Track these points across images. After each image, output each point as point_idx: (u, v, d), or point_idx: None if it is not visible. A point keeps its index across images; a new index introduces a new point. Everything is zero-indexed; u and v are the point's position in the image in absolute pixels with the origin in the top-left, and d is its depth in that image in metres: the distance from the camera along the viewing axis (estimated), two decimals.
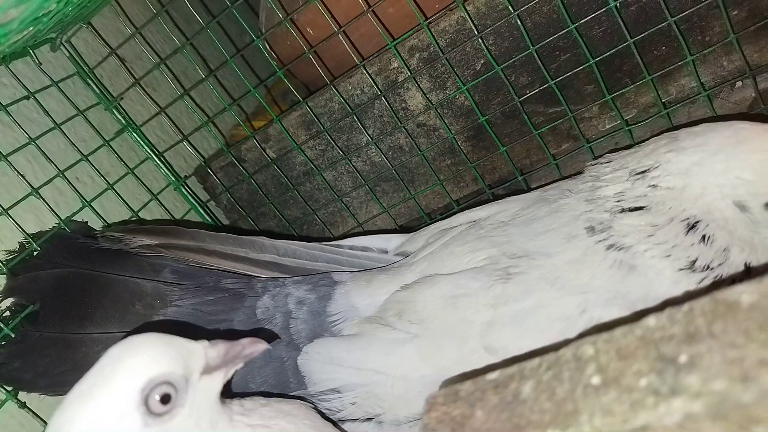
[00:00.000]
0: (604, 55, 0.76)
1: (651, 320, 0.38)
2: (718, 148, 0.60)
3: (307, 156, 0.98)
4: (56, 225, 0.84)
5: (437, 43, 0.83)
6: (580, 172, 0.73)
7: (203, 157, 1.11)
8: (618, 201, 0.64)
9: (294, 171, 1.01)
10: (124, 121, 1.04)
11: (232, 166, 1.04)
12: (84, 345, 0.71)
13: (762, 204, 0.58)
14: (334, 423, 0.65)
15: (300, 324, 0.71)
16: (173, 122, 1.06)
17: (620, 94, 0.81)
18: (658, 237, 0.60)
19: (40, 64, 0.92)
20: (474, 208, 0.78)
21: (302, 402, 0.63)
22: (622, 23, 0.74)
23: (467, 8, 0.79)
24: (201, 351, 0.51)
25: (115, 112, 1.03)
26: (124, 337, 0.51)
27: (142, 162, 1.05)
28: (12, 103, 0.86)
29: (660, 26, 0.74)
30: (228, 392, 0.57)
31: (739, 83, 0.80)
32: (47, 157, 0.88)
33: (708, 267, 0.58)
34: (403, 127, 0.90)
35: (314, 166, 0.98)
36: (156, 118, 1.05)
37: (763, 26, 0.74)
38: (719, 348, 0.34)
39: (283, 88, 1.16)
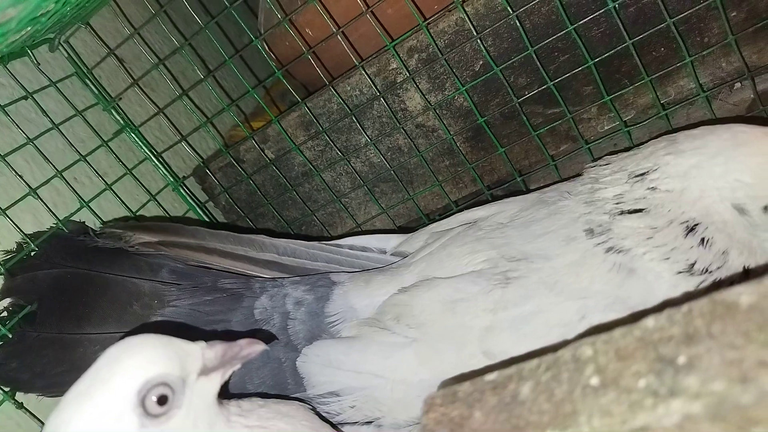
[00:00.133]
0: (603, 56, 0.76)
1: (650, 321, 0.38)
2: (716, 151, 0.60)
3: (305, 157, 0.97)
4: (54, 225, 0.84)
5: (436, 44, 0.83)
6: (578, 174, 0.73)
7: (202, 157, 1.11)
8: (617, 203, 0.64)
9: (293, 172, 1.01)
10: (122, 122, 1.04)
11: (231, 167, 1.04)
12: (81, 345, 0.70)
13: (761, 207, 0.58)
14: (333, 425, 0.65)
15: (298, 325, 0.71)
16: (172, 123, 1.06)
17: (619, 95, 0.81)
18: (657, 239, 0.60)
19: (39, 64, 0.92)
20: (472, 209, 0.78)
21: (300, 403, 0.63)
22: (620, 24, 0.74)
23: (466, 9, 0.79)
24: (198, 352, 0.51)
25: (114, 113, 1.03)
26: (122, 337, 0.51)
27: (141, 162, 1.05)
28: (10, 104, 0.86)
29: (659, 27, 0.74)
30: (226, 393, 0.57)
31: (738, 85, 0.80)
32: (45, 158, 0.88)
33: (707, 270, 0.58)
34: (402, 127, 0.90)
35: (313, 166, 0.98)
36: (154, 119, 1.05)
37: (762, 28, 0.74)
38: (718, 349, 0.34)
39: (281, 88, 1.16)
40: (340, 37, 0.84)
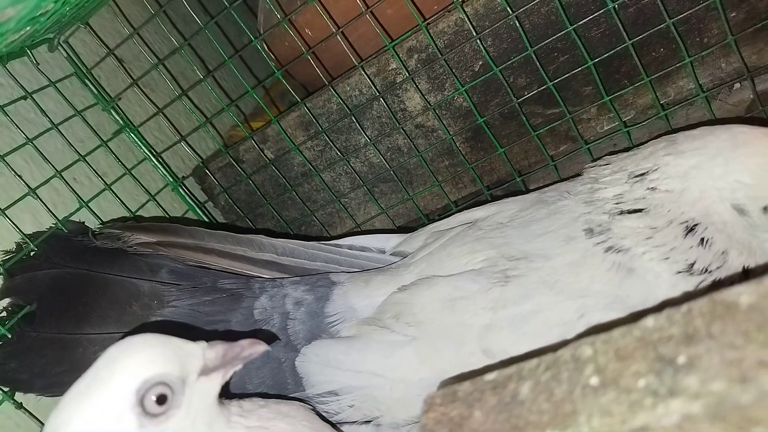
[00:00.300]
0: (603, 57, 0.76)
1: (649, 321, 0.38)
2: (716, 152, 0.60)
3: (305, 157, 0.97)
4: (53, 225, 0.84)
5: (436, 45, 0.83)
6: (578, 174, 0.73)
7: (201, 157, 1.11)
8: (617, 203, 0.64)
9: (292, 172, 1.01)
10: (121, 122, 1.03)
11: (230, 167, 1.04)
12: (81, 345, 0.70)
13: (760, 207, 0.58)
14: (333, 425, 0.65)
15: (298, 325, 0.71)
16: (171, 123, 1.06)
17: (618, 95, 0.81)
18: (657, 239, 0.60)
19: (38, 64, 0.92)
20: (472, 209, 0.78)
21: (301, 403, 0.63)
22: (620, 25, 0.74)
23: (466, 9, 0.79)
24: (199, 352, 0.51)
25: (113, 113, 1.03)
26: (122, 337, 0.51)
27: (140, 162, 1.05)
28: (9, 103, 0.86)
29: (658, 28, 0.74)
30: (226, 393, 0.57)
31: (738, 85, 0.80)
32: (44, 158, 0.87)
33: (706, 270, 0.58)
34: (402, 128, 0.90)
35: (312, 167, 0.98)
36: (154, 119, 1.05)
37: (762, 28, 0.74)
38: (718, 349, 0.34)
39: (281, 88, 1.16)
40: (339, 38, 0.84)
